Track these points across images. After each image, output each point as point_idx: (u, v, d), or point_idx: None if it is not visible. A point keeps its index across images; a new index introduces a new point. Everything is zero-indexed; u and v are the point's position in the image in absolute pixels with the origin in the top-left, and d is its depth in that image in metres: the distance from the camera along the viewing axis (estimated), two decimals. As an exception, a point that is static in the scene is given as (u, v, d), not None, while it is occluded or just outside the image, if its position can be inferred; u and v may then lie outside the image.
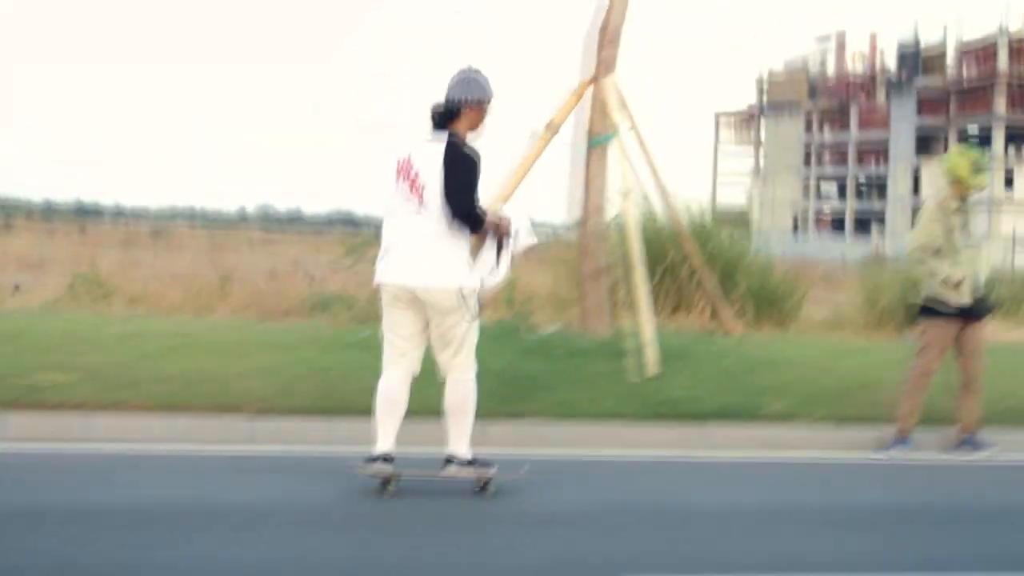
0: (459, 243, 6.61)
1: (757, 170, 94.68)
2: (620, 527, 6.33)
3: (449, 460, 6.82)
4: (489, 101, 6.69)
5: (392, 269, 6.64)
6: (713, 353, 10.89)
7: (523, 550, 5.84)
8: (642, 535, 6.20)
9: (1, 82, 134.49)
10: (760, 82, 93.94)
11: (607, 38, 10.67)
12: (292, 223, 59.14)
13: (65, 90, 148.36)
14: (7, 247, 30.91)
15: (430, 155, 6.56)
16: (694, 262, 11.82)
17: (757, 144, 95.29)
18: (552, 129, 10.63)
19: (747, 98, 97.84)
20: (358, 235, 19.09)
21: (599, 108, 10.65)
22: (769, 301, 14.70)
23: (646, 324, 10.13)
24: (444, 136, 6.60)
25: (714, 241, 16.02)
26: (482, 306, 6.77)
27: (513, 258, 6.86)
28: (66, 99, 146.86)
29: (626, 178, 10.54)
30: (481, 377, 9.49)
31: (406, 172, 6.60)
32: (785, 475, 8.14)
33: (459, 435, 6.82)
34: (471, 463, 6.82)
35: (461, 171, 6.53)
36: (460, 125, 6.64)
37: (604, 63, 10.67)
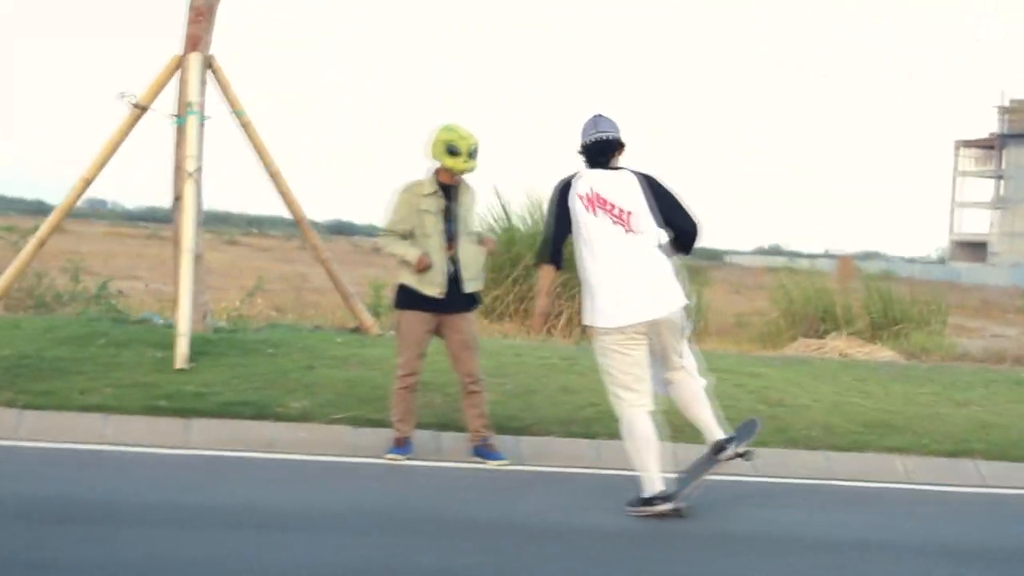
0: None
1: (998, 199, 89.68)
2: None
3: (720, 446, 6.88)
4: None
5: (633, 308, 6.69)
6: (297, 350, 10.14)
7: None
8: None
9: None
10: (1002, 110, 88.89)
11: (196, 13, 10.11)
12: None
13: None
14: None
15: (620, 184, 6.78)
16: (319, 255, 11.03)
17: (998, 173, 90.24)
18: (140, 107, 10.15)
19: (988, 126, 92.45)
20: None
21: (184, 87, 10.11)
22: None
23: (182, 315, 9.53)
24: (618, 168, 6.90)
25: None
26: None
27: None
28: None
29: (187, 160, 9.94)
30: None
31: (599, 203, 6.73)
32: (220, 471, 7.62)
33: (710, 420, 6.95)
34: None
35: (676, 195, 6.89)
36: (615, 160, 6.93)
37: (191, 39, 10.11)
